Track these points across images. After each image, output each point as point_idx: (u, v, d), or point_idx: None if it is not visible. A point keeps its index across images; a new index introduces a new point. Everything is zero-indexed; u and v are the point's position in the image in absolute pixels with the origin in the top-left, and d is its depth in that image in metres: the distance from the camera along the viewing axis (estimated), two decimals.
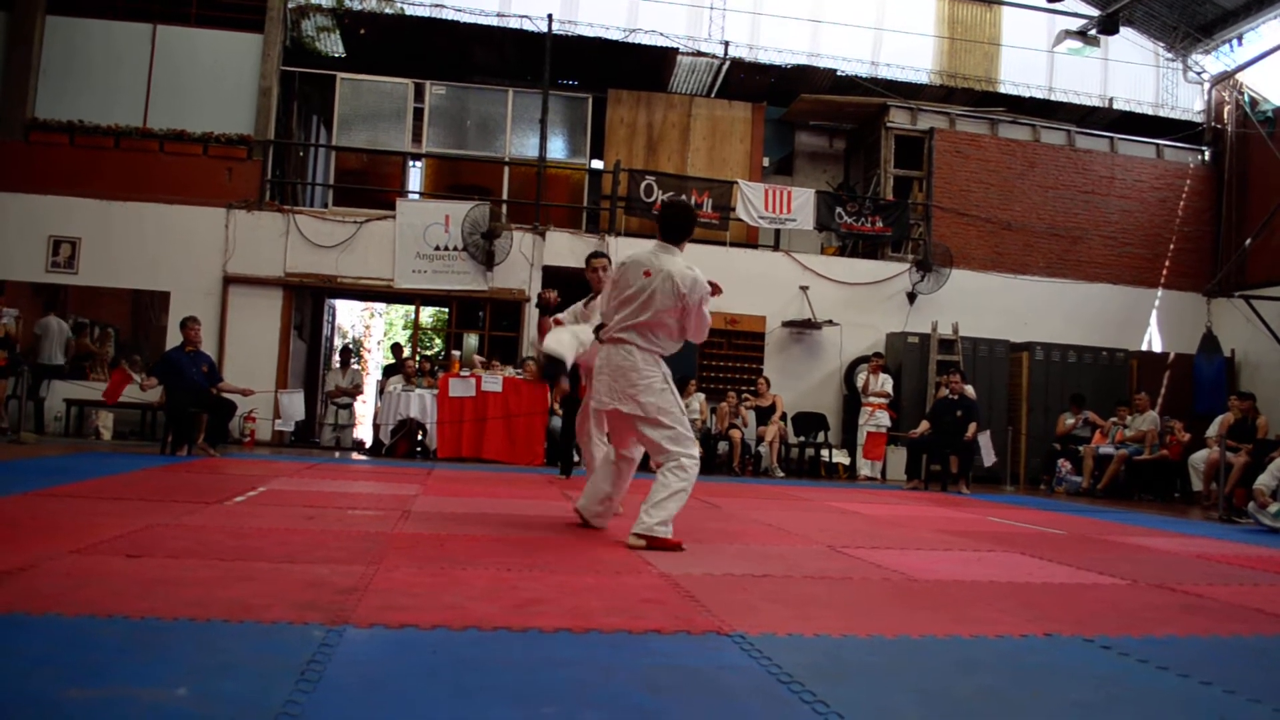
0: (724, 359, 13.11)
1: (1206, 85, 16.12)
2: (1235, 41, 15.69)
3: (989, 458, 11.38)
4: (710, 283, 4.69)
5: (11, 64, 12.56)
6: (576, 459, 10.61)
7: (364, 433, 14.68)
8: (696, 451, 4.74)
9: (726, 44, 14.51)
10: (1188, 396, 13.90)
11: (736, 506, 7.15)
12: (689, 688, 2.27)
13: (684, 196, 13.35)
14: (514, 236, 12.93)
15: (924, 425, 11.26)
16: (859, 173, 15.60)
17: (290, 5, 13.44)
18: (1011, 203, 14.68)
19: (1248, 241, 14.26)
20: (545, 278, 13.08)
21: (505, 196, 13.84)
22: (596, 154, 14.50)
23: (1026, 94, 15.62)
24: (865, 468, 12.43)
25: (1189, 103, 16.17)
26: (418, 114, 13.92)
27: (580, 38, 14.02)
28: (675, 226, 4.75)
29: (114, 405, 11.44)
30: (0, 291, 12.02)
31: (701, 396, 12.38)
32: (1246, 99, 15.35)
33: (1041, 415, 13.53)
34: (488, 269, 12.84)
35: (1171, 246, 15.20)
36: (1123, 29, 14.93)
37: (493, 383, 11.34)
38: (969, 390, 11.45)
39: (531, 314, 13.01)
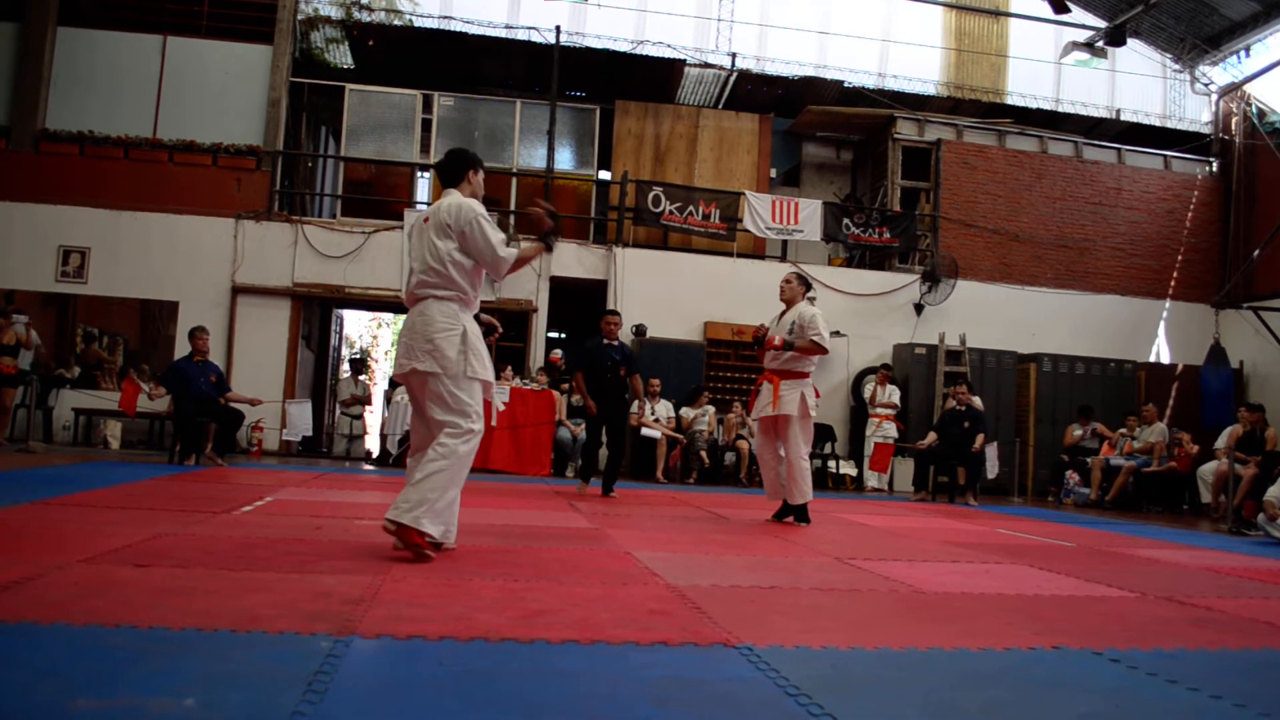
0: (731, 370, 13.10)
1: (1214, 96, 16.11)
2: (1243, 53, 15.68)
3: (993, 469, 11.35)
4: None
5: (22, 75, 12.64)
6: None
7: (372, 443, 14.69)
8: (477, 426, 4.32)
9: (734, 55, 14.55)
10: (1196, 408, 13.86)
11: (743, 518, 7.15)
12: (696, 700, 2.26)
13: (691, 208, 13.39)
14: (521, 247, 12.92)
15: (931, 437, 11.22)
16: (866, 184, 15.61)
17: (299, 17, 13.52)
18: (1019, 214, 14.68)
19: (1256, 253, 14.23)
20: (552, 288, 13.11)
21: (513, 207, 13.87)
22: (604, 165, 14.52)
23: (1034, 105, 15.63)
24: (873, 479, 12.39)
25: (1196, 114, 16.16)
26: (426, 125, 13.97)
27: (588, 49, 14.07)
28: (445, 170, 4.60)
29: (122, 414, 11.51)
30: (10, 301, 12.07)
31: (711, 409, 12.36)
32: (1254, 110, 15.33)
33: (1049, 427, 13.49)
34: (495, 280, 12.84)
35: (1179, 258, 15.17)
36: (1130, 40, 14.97)
37: (500, 392, 11.34)
38: (976, 401, 11.43)
39: (538, 324, 13.02)
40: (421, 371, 4.24)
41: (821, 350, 6.79)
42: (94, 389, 12.11)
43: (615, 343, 8.76)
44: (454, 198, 4.44)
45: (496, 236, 4.35)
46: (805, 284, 7.25)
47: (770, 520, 6.92)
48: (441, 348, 4.22)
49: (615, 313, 9.08)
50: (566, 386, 11.71)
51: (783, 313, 7.08)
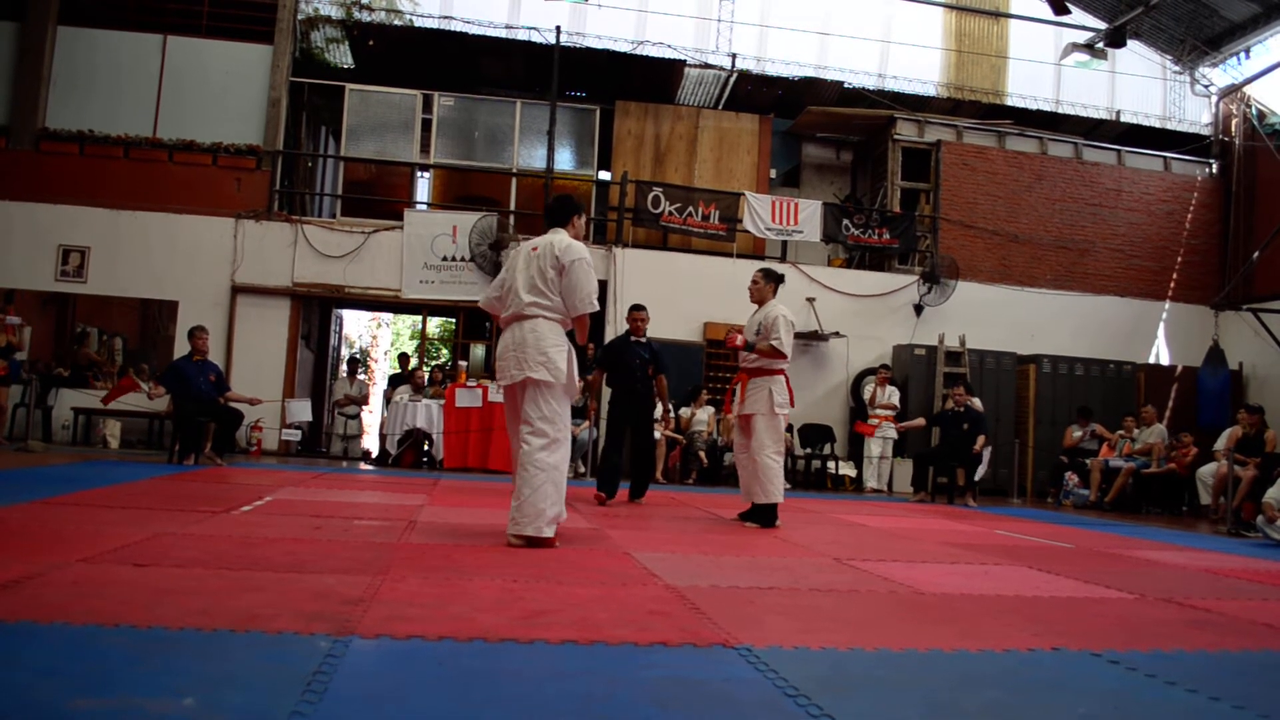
0: (731, 370, 13.07)
1: (1214, 98, 16.12)
2: (1243, 54, 15.69)
3: (982, 470, 11.39)
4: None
5: (22, 74, 12.64)
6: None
7: (370, 443, 14.67)
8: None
9: (734, 56, 14.55)
10: (1195, 409, 13.87)
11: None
12: (695, 701, 2.26)
13: (691, 208, 13.39)
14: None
15: (920, 421, 11.40)
16: (866, 185, 15.61)
17: (300, 17, 13.52)
18: (1018, 215, 14.68)
19: (1255, 254, 14.23)
20: None
21: (513, 207, 13.87)
22: (604, 165, 14.52)
23: (1033, 106, 15.63)
24: (871, 480, 12.41)
25: (1196, 115, 16.17)
26: (426, 125, 13.97)
27: (588, 49, 14.07)
28: (553, 212, 5.23)
29: (122, 414, 11.52)
30: (10, 300, 12.08)
31: (711, 409, 12.36)
32: (1254, 112, 15.33)
33: (1049, 428, 13.49)
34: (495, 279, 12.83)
35: (1179, 259, 15.17)
36: (1130, 42, 14.96)
37: (499, 393, 11.31)
38: (976, 402, 11.44)
39: None
40: (536, 380, 4.79)
41: (780, 355, 6.60)
42: (85, 388, 12.06)
43: (643, 340, 8.18)
44: (563, 237, 5.04)
45: (593, 285, 4.95)
46: (774, 280, 6.98)
47: (734, 519, 6.85)
48: (555, 360, 4.82)
49: (642, 307, 8.38)
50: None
51: (755, 312, 6.93)
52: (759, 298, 6.95)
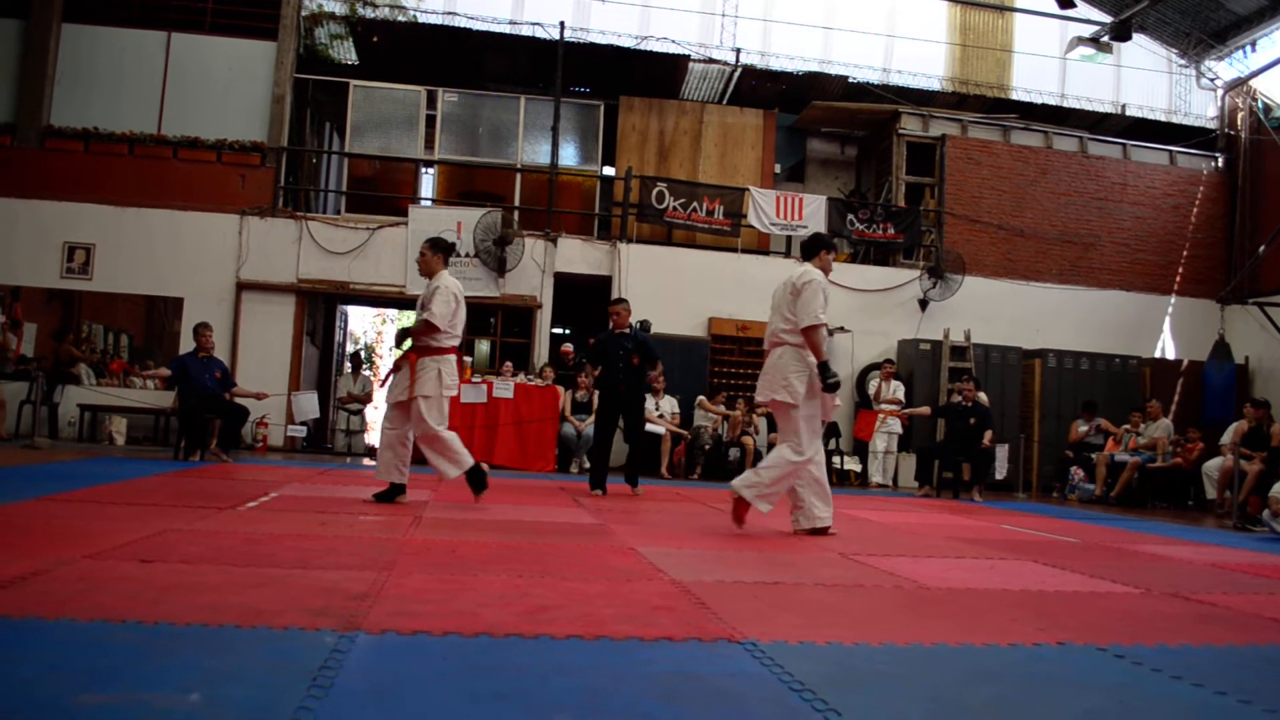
0: (736, 366, 13.10)
1: (1220, 91, 16.05)
2: (1249, 48, 15.63)
3: (1002, 470, 11.35)
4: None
5: (27, 71, 12.66)
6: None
7: (375, 438, 14.64)
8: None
9: (738, 51, 14.53)
10: (1200, 404, 13.84)
11: (748, 514, 7.12)
12: (700, 696, 2.26)
13: (695, 203, 13.39)
14: (526, 243, 12.95)
15: (926, 409, 11.42)
16: (870, 179, 15.59)
17: (304, 13, 13.52)
18: (1023, 209, 14.64)
19: (1261, 248, 14.19)
20: (556, 284, 13.11)
21: (517, 203, 13.86)
22: (608, 161, 14.51)
23: (1038, 100, 15.58)
24: (876, 475, 12.40)
25: (1202, 109, 16.11)
26: (430, 121, 13.96)
27: (592, 45, 14.06)
28: (805, 247, 5.99)
29: (128, 411, 11.57)
30: (16, 297, 12.11)
31: (722, 407, 12.34)
32: (1260, 105, 15.27)
33: (1054, 422, 13.47)
34: (499, 275, 12.86)
35: (1184, 253, 15.13)
36: (1135, 35, 14.91)
37: (504, 389, 11.34)
38: (982, 397, 11.44)
39: (542, 320, 13.02)
40: (779, 401, 5.61)
41: (434, 330, 6.14)
42: (75, 384, 12.06)
43: (626, 331, 8.33)
44: (806, 267, 5.75)
45: (818, 302, 5.53)
46: (441, 250, 6.48)
47: (369, 500, 6.36)
48: (795, 384, 5.56)
49: (621, 300, 8.56)
50: (579, 381, 11.69)
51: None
52: (426, 270, 6.45)
